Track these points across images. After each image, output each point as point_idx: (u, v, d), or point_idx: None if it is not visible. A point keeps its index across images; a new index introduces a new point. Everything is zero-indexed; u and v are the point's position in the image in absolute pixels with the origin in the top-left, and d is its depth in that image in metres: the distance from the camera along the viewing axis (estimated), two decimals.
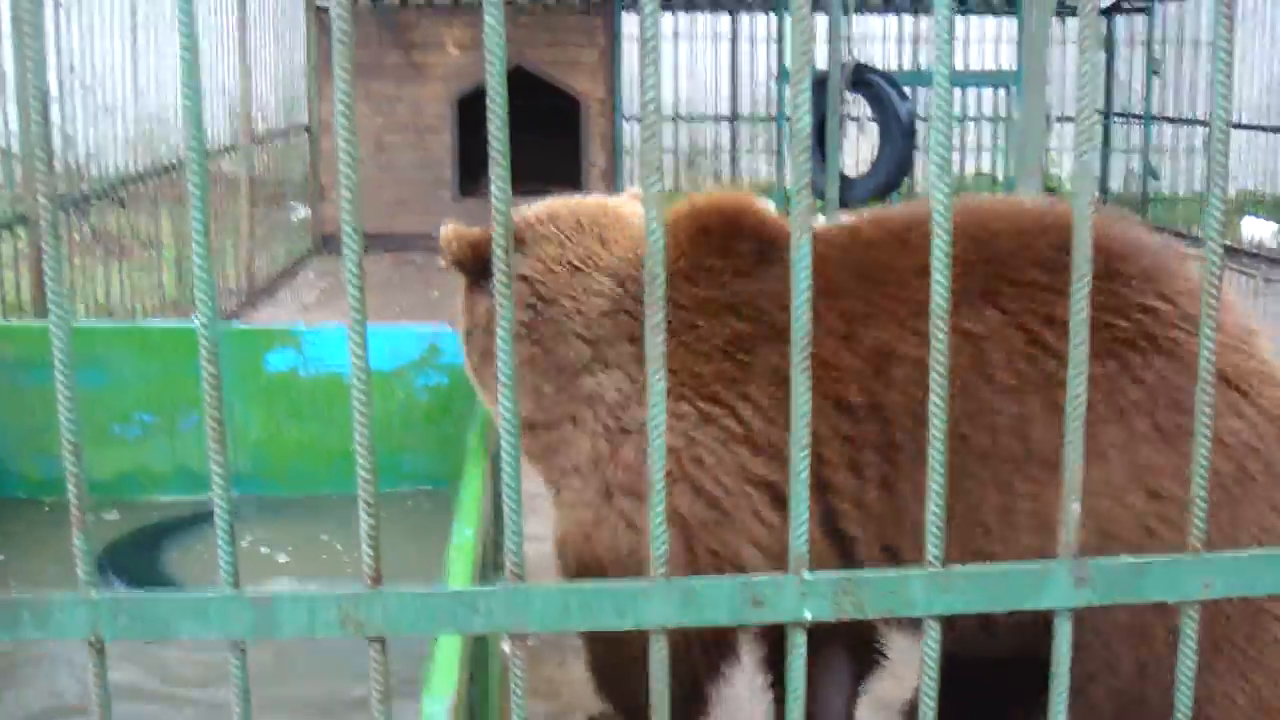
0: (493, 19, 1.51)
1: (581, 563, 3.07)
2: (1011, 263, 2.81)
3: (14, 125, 6.85)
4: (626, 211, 3.35)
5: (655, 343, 1.57)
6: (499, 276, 1.58)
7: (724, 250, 3.09)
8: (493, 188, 1.55)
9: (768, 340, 2.93)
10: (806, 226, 1.57)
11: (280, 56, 11.81)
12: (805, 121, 1.57)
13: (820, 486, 2.82)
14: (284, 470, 4.58)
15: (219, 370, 1.60)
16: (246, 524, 4.39)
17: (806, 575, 1.62)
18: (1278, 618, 2.69)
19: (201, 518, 4.50)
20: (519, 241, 3.19)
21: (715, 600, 1.62)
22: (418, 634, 1.65)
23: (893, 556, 2.84)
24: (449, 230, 3.25)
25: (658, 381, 1.57)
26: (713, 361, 2.96)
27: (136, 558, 4.19)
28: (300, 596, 1.61)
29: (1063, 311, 1.93)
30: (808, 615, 1.63)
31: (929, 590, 1.63)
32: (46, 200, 1.59)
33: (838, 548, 2.88)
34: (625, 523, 3.00)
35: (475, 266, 3.20)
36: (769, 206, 3.40)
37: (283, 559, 4.24)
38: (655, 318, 1.56)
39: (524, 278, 3.16)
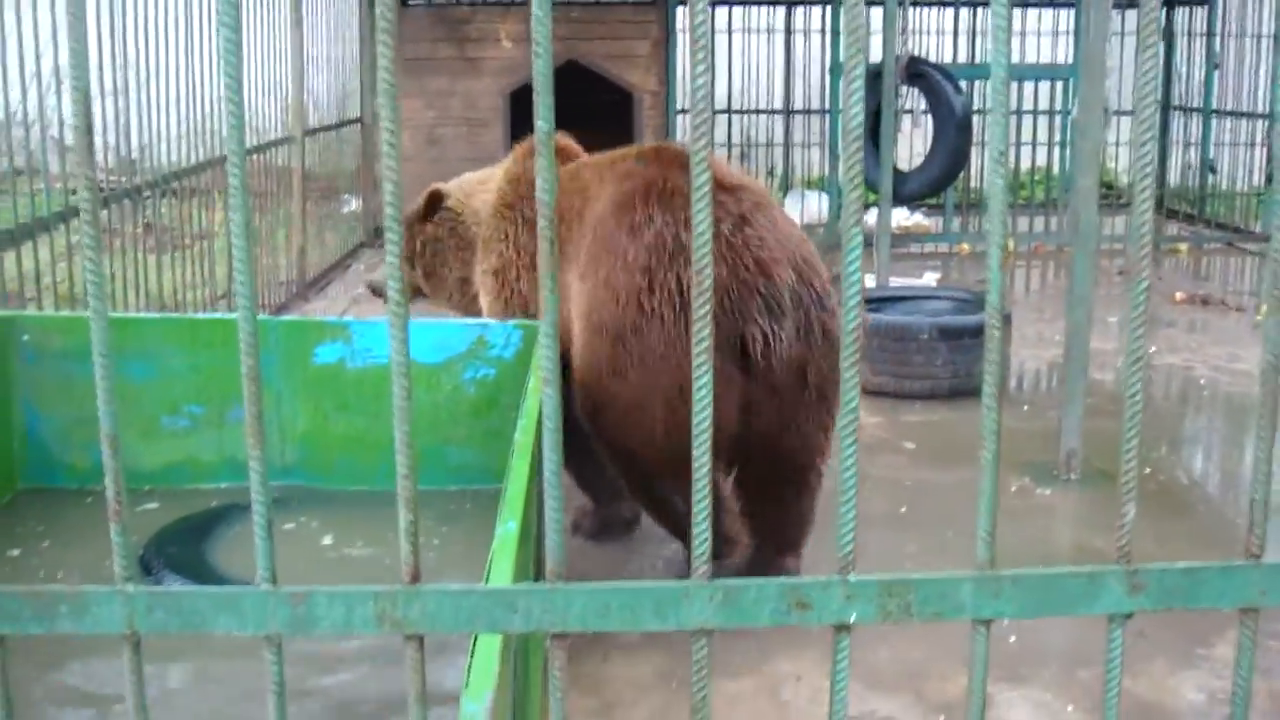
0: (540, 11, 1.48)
1: (495, 315, 5.28)
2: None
3: (65, 119, 6.89)
4: (500, 169, 5.63)
5: (702, 299, 1.53)
6: (542, 227, 1.55)
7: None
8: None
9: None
10: (857, 220, 1.53)
11: (334, 50, 11.84)
12: (858, 114, 1.53)
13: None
14: (330, 462, 4.57)
15: (259, 366, 1.58)
16: (292, 513, 4.39)
17: (852, 578, 1.58)
18: None
19: (244, 509, 4.50)
20: (446, 197, 5.77)
21: (758, 602, 1.59)
22: (455, 632, 1.62)
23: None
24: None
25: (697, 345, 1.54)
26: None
27: (183, 547, 4.19)
28: (337, 593, 1.59)
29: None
30: (853, 618, 1.59)
31: (979, 595, 1.60)
32: (87, 191, 1.57)
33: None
34: (503, 303, 5.31)
35: (426, 211, 5.77)
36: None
37: (328, 543, 4.24)
38: (704, 283, 1.53)
39: (451, 208, 5.71)
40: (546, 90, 1.49)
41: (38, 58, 6.37)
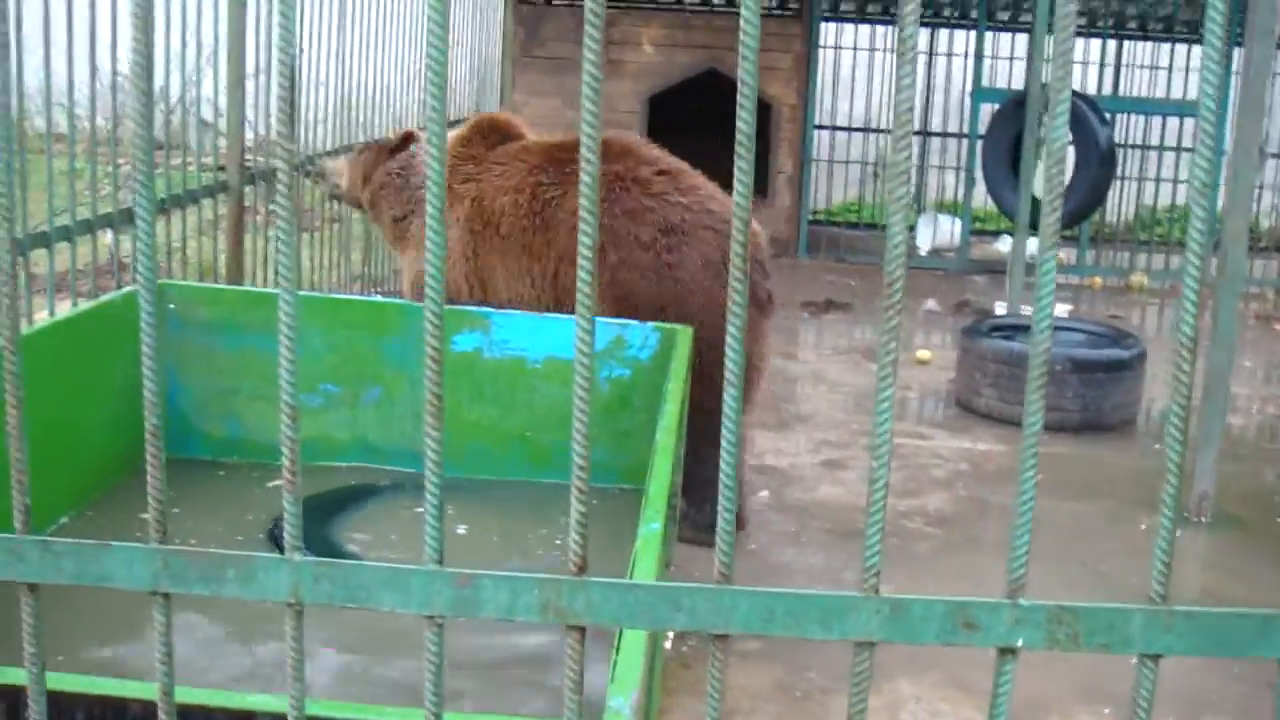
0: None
1: (417, 286, 5.63)
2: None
3: (210, 97, 7.02)
4: (456, 134, 5.81)
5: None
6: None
7: (484, 140, 5.74)
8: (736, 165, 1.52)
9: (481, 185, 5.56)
10: (1053, 244, 1.52)
11: (475, 44, 11.96)
12: (1060, 137, 1.51)
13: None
14: (462, 450, 4.59)
15: (444, 347, 1.60)
16: (419, 499, 4.43)
17: (1022, 602, 1.56)
18: None
19: (374, 490, 4.55)
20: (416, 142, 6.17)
21: (925, 618, 1.57)
22: (617, 626, 1.63)
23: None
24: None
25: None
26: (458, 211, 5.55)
27: (312, 524, 4.25)
28: (504, 579, 1.60)
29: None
30: (1020, 642, 1.57)
31: (1149, 628, 1.57)
32: (285, 164, 1.60)
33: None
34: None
35: (397, 147, 6.12)
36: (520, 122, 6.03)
37: (462, 532, 4.26)
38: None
39: (413, 153, 6.08)
40: (752, 96, 1.49)
41: (199, 36, 6.50)
